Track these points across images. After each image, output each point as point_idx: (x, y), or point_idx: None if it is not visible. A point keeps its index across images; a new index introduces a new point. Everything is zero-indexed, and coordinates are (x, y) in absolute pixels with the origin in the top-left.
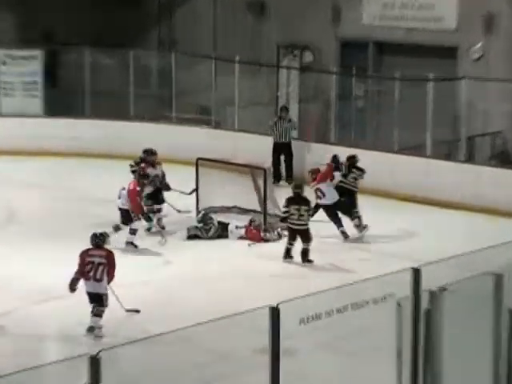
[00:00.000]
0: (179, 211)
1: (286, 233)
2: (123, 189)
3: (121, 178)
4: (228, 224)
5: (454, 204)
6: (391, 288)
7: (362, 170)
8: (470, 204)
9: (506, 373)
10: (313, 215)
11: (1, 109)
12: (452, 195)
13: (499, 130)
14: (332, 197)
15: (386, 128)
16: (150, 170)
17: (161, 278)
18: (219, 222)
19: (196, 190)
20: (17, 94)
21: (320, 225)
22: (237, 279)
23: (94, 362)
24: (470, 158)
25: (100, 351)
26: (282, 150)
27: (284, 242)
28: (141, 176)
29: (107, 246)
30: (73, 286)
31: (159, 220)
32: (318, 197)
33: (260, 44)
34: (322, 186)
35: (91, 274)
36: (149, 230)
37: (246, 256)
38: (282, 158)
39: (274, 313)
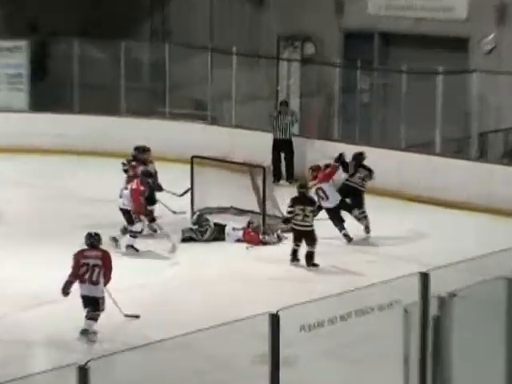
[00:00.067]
0: (174, 212)
1: (286, 235)
2: (125, 188)
3: (111, 176)
4: (225, 226)
5: (463, 204)
6: (398, 293)
7: (370, 171)
8: (482, 204)
9: None
10: (315, 216)
11: None
12: (462, 195)
13: None
14: (335, 199)
15: (393, 124)
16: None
17: (157, 281)
18: (215, 224)
19: (191, 190)
20: (1, 87)
21: (322, 226)
22: (235, 284)
23: (83, 372)
24: (482, 156)
25: (89, 361)
26: (282, 147)
27: (284, 244)
28: (144, 174)
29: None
30: (66, 290)
31: (151, 222)
32: (320, 197)
33: (259, 34)
34: (324, 186)
35: (87, 276)
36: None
37: (243, 260)
38: (283, 155)
39: (274, 320)
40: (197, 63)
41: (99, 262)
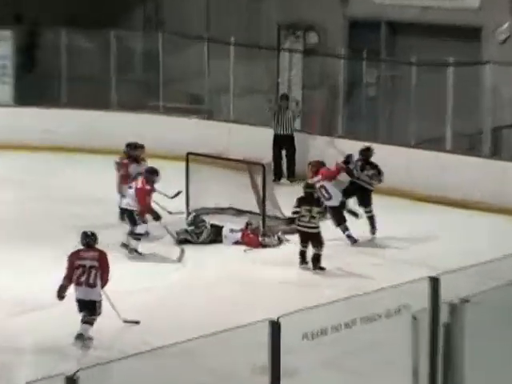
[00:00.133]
0: (170, 213)
1: (287, 237)
2: (129, 187)
3: (100, 174)
4: (222, 227)
5: (476, 204)
6: (406, 299)
7: (378, 171)
8: (495, 204)
9: None
10: (323, 218)
11: None
12: (474, 194)
13: None
14: (338, 198)
15: (401, 119)
16: (134, 167)
17: (154, 285)
18: (212, 225)
19: (186, 191)
20: None
21: (325, 226)
22: (234, 288)
23: (71, 383)
24: (496, 153)
25: (78, 371)
26: (283, 143)
27: (284, 247)
28: (149, 172)
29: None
30: (61, 293)
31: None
32: (322, 196)
33: (258, 23)
34: (327, 185)
35: (83, 278)
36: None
37: (242, 262)
38: (284, 152)
39: (275, 327)
40: (192, 54)
41: (96, 264)
